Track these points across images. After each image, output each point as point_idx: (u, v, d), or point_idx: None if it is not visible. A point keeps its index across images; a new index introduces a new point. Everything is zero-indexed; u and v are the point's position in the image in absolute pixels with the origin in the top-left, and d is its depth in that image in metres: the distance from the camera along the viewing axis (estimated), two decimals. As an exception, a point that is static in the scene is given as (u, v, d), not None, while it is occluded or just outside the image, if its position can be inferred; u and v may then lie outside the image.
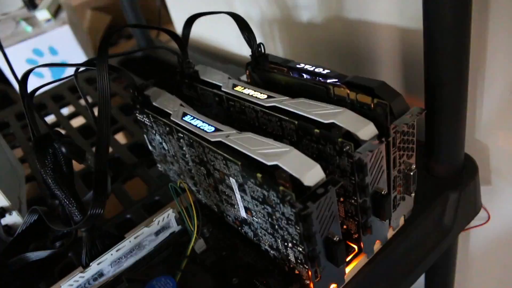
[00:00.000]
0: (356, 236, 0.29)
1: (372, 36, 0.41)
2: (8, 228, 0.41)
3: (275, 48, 0.55)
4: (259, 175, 0.24)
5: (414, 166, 0.29)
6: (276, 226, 0.26)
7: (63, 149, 0.30)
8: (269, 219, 0.26)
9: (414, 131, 0.28)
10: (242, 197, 0.28)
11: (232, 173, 0.27)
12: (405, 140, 0.28)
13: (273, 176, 0.24)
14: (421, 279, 0.46)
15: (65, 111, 0.66)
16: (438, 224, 0.34)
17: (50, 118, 0.64)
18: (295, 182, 0.23)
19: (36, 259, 0.36)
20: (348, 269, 0.29)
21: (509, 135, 0.36)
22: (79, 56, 0.97)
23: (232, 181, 0.28)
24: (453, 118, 0.32)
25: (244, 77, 0.37)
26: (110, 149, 0.52)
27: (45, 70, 0.99)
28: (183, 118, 0.31)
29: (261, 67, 0.34)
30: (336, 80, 0.30)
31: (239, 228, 0.32)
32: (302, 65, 0.32)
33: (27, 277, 0.35)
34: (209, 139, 0.28)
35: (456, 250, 0.40)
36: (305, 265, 0.26)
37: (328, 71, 0.31)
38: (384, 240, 0.30)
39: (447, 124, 0.33)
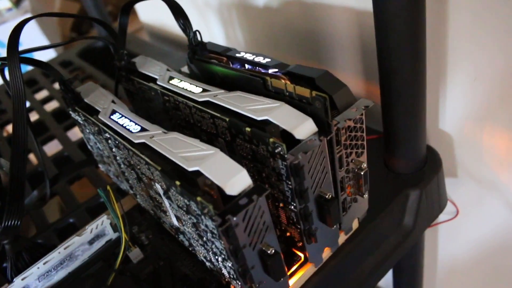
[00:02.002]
0: (300, 244, 0.26)
1: (330, 19, 0.38)
2: None
3: (235, 34, 0.51)
4: (177, 182, 0.21)
5: (365, 165, 0.26)
6: (204, 238, 0.23)
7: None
8: (197, 231, 0.23)
9: (363, 126, 0.25)
10: (170, 204, 0.25)
11: (156, 178, 0.24)
12: (352, 137, 0.25)
13: (194, 183, 0.21)
14: (390, 276, 0.43)
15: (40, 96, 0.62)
16: (397, 225, 0.31)
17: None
18: (219, 191, 0.21)
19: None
20: (293, 280, 0.26)
21: (475, 124, 0.33)
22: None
23: (158, 187, 0.25)
24: (410, 109, 0.29)
25: (185, 68, 0.33)
26: (60, 147, 0.48)
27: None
28: (111, 117, 0.28)
29: (199, 57, 0.31)
30: (276, 70, 0.27)
31: (176, 235, 0.29)
32: (242, 54, 0.29)
33: None
34: (133, 140, 0.25)
35: (422, 248, 0.38)
36: (237, 281, 0.23)
37: (269, 60, 0.28)
38: (334, 246, 0.28)
39: (405, 115, 0.30)
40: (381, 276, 0.31)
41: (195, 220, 0.23)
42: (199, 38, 0.30)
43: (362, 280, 0.29)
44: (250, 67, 0.29)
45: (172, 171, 0.22)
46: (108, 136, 0.28)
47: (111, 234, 0.31)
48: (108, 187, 0.28)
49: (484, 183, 0.36)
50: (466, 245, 0.42)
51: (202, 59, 0.30)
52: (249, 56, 0.29)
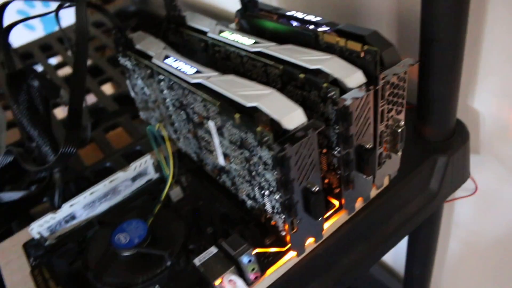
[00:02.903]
0: (337, 191, 0.28)
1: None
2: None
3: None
4: (237, 115, 0.23)
5: (402, 123, 0.28)
6: (254, 173, 0.25)
7: (36, 84, 0.29)
8: (247, 165, 0.25)
9: (405, 85, 0.27)
10: (220, 142, 0.27)
11: (211, 115, 0.26)
12: (394, 94, 0.27)
13: (252, 117, 0.23)
14: (404, 244, 0.45)
15: (53, 61, 0.64)
16: (424, 188, 0.33)
17: (37, 68, 0.62)
18: (275, 126, 0.22)
19: (9, 200, 0.35)
20: (327, 225, 0.28)
21: (504, 102, 0.34)
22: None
23: (211, 124, 0.27)
24: (447, 78, 0.31)
25: (233, 25, 0.35)
26: (95, 99, 0.50)
27: (36, 22, 0.96)
28: (165, 61, 0.30)
29: (250, 13, 0.32)
30: (327, 28, 0.28)
31: (217, 177, 0.31)
32: (293, 12, 0.31)
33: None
34: (189, 80, 0.27)
35: (440, 217, 0.40)
36: (281, 215, 0.25)
37: (319, 18, 0.29)
38: (366, 198, 0.29)
39: (440, 84, 0.31)
40: (402, 236, 0.33)
41: (247, 154, 0.24)
42: (251, -6, 0.32)
43: (387, 235, 0.31)
44: (298, 24, 0.30)
45: (230, 106, 0.24)
46: (162, 78, 0.30)
47: (152, 174, 0.33)
48: (159, 124, 0.29)
49: (507, 163, 0.37)
50: (481, 224, 0.44)
51: (254, 14, 0.32)
52: (299, 15, 0.30)
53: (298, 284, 0.27)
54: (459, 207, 0.45)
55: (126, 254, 0.26)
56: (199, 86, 0.26)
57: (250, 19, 0.32)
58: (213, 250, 0.25)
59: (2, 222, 0.34)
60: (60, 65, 0.61)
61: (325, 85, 0.24)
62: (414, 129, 0.35)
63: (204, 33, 0.33)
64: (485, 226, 0.44)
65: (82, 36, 0.28)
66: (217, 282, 0.23)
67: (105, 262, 0.26)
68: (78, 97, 0.28)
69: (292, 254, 0.26)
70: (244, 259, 0.24)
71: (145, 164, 0.32)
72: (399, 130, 0.28)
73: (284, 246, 0.27)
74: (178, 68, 0.28)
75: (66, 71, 0.60)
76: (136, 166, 0.32)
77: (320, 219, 0.26)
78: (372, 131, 0.26)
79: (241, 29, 0.34)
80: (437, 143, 0.34)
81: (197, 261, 0.24)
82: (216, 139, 0.27)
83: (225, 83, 0.25)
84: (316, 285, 0.28)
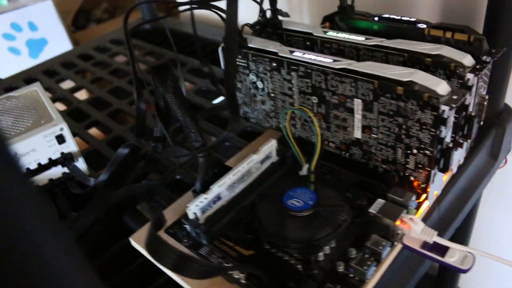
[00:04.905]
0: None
1: None
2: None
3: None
4: (400, 88, 0.29)
5: (487, 97, 0.36)
6: (403, 136, 0.31)
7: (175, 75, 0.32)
8: (396, 130, 0.31)
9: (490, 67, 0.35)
10: (364, 116, 0.32)
11: (360, 93, 0.31)
12: (485, 74, 0.34)
13: (411, 88, 0.29)
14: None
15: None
16: (491, 153, 0.41)
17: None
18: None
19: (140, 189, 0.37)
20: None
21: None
22: (60, 33, 0.94)
23: (357, 102, 0.32)
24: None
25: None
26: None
27: (22, 47, 0.95)
28: (293, 54, 0.35)
29: (349, 16, 0.39)
30: (424, 25, 0.35)
31: (343, 152, 0.36)
32: (387, 15, 0.38)
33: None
34: (334, 66, 0.32)
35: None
36: (426, 168, 0.31)
37: (414, 19, 0.36)
38: (462, 159, 0.36)
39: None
40: (479, 194, 0.40)
41: (401, 121, 0.30)
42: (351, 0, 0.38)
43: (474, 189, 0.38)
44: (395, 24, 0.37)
45: (388, 82, 0.30)
46: (295, 68, 0.35)
47: (273, 157, 0.37)
48: (305, 109, 0.34)
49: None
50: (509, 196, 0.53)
51: (359, 17, 0.38)
52: (395, 16, 0.37)
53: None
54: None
55: (305, 214, 0.30)
56: (345, 70, 0.32)
57: (352, 21, 0.39)
58: (381, 201, 0.30)
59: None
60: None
61: (453, 65, 0.31)
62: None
63: (307, 33, 0.38)
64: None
65: (232, 30, 0.32)
66: (397, 223, 0.28)
67: (283, 225, 0.30)
68: (233, 87, 0.32)
69: (426, 203, 0.32)
70: (412, 204, 0.29)
71: (270, 147, 0.36)
72: (485, 103, 0.35)
73: (419, 198, 0.32)
74: (313, 59, 0.34)
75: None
76: (264, 150, 0.36)
77: (447, 172, 0.32)
78: (476, 101, 0.34)
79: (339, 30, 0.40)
80: (493, 117, 0.42)
81: (372, 210, 0.29)
82: (358, 115, 0.33)
83: (368, 67, 0.31)
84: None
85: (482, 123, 0.37)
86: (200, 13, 0.39)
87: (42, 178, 0.41)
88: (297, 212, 0.30)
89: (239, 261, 0.29)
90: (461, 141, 0.33)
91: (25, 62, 0.94)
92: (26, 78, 0.67)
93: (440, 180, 0.33)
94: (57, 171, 0.42)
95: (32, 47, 0.94)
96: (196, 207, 0.32)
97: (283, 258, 0.29)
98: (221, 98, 0.51)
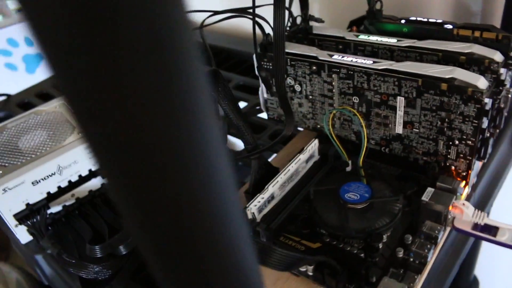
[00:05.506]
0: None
1: None
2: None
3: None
4: (444, 84, 0.31)
5: (511, 90, 0.38)
6: (445, 129, 0.33)
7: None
8: (438, 124, 0.33)
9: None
10: (406, 112, 0.35)
11: (404, 91, 0.34)
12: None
13: (454, 84, 0.31)
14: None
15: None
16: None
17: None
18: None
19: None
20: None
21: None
22: (57, 47, 0.94)
23: (400, 99, 0.34)
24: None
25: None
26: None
27: (19, 62, 0.94)
28: (333, 57, 0.37)
29: (378, 20, 0.41)
30: (452, 26, 0.38)
31: (382, 147, 0.38)
32: (413, 17, 0.40)
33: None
34: (376, 67, 0.35)
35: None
36: (468, 157, 0.33)
37: (441, 20, 0.39)
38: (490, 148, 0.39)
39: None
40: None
41: (443, 115, 0.33)
42: (379, 5, 0.41)
43: (497, 179, 0.41)
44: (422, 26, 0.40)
45: (432, 80, 0.32)
46: (337, 70, 0.37)
47: (316, 156, 0.39)
48: (350, 108, 0.36)
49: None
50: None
51: (387, 20, 0.41)
52: (421, 19, 0.40)
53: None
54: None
55: (362, 206, 0.32)
56: (387, 70, 0.34)
57: (382, 25, 0.41)
58: (431, 189, 0.32)
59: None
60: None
61: (487, 61, 0.33)
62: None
63: (339, 37, 0.41)
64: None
65: (280, 36, 0.34)
66: (450, 208, 0.31)
67: (345, 217, 0.32)
68: (283, 91, 0.34)
69: (467, 189, 0.35)
70: (460, 190, 0.32)
71: (314, 146, 0.38)
72: (509, 96, 0.38)
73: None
74: (354, 61, 0.36)
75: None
76: (309, 149, 0.38)
77: (482, 160, 0.35)
78: (503, 94, 0.37)
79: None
80: None
81: (425, 198, 0.31)
82: (401, 112, 0.35)
83: (409, 66, 0.34)
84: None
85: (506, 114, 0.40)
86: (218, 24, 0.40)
87: (83, 190, 0.42)
88: (355, 205, 0.32)
89: (309, 254, 0.31)
90: (492, 132, 0.36)
91: (22, 78, 0.93)
92: (38, 92, 0.67)
93: (477, 167, 0.35)
94: (96, 183, 0.43)
95: (29, 62, 0.94)
96: (254, 207, 0.34)
97: (346, 249, 0.31)
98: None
